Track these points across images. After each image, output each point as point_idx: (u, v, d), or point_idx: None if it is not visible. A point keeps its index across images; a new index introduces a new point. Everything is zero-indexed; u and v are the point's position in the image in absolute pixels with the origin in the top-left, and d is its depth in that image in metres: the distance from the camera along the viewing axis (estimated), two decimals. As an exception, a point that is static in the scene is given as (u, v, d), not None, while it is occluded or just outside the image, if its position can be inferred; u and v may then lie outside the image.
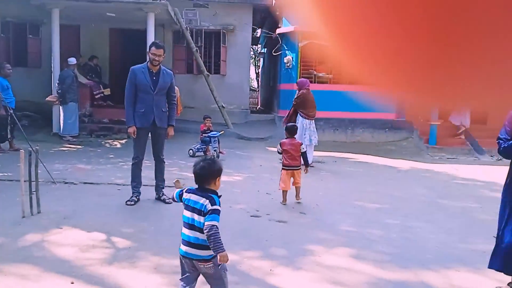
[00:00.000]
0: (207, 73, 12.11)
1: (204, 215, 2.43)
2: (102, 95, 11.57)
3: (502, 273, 3.36)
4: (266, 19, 14.81)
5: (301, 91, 8.27)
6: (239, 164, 8.22)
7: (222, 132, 8.84)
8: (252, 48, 20.86)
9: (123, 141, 9.91)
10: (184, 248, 2.50)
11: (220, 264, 2.45)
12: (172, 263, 3.38)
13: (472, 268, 3.57)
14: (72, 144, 9.50)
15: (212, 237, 2.35)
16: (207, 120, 8.85)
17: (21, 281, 2.98)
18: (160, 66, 5.12)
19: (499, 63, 0.35)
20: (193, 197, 2.53)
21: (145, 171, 5.44)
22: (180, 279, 2.60)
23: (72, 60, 9.89)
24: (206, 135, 8.63)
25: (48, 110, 10.48)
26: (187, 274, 2.55)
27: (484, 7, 0.32)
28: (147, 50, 5.14)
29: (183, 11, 12.45)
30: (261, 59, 21.64)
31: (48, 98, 10.02)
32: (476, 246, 4.14)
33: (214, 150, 8.49)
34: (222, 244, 2.38)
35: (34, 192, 4.52)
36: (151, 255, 3.51)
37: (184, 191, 2.64)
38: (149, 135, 5.26)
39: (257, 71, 28.15)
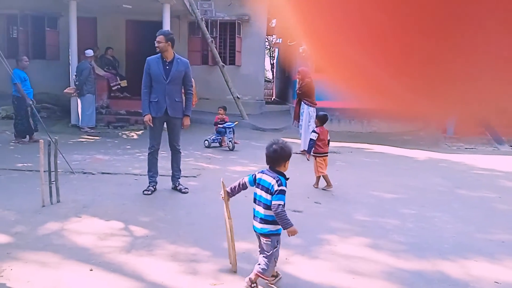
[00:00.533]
0: (222, 64, 12.11)
1: (271, 194, 2.75)
2: (119, 86, 11.69)
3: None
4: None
5: (306, 80, 8.31)
6: (254, 154, 8.23)
7: (236, 122, 8.86)
8: (267, 38, 20.75)
9: (140, 132, 10.01)
10: (253, 222, 2.92)
11: (276, 241, 2.84)
12: (188, 251, 3.42)
13: (491, 258, 3.53)
14: (90, 135, 9.64)
15: (279, 215, 2.70)
16: (220, 110, 8.87)
17: (41, 268, 3.05)
18: (174, 54, 5.15)
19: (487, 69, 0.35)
20: (264, 177, 2.87)
21: (161, 162, 5.50)
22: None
23: (89, 52, 10.00)
24: (222, 125, 8.65)
25: (66, 102, 10.65)
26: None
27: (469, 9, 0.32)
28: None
29: (198, 1, 12.46)
30: (276, 50, 21.52)
31: (66, 90, 10.17)
32: (494, 236, 4.08)
33: (230, 141, 8.52)
34: (289, 220, 2.72)
35: (54, 182, 4.61)
36: (168, 244, 3.56)
37: (257, 173, 2.99)
38: (165, 125, 5.31)
39: (272, 62, 28.03)
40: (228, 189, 3.18)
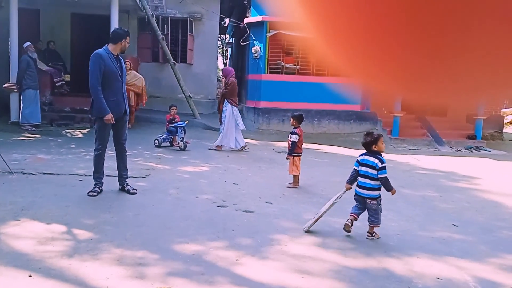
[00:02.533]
0: (174, 61, 11.89)
1: (377, 170, 3.91)
2: (63, 82, 11.15)
3: (462, 260, 3.50)
4: (234, 8, 14.67)
5: (230, 79, 8.55)
6: (205, 154, 8.15)
7: (187, 121, 8.72)
8: (220, 38, 20.64)
9: (86, 131, 9.61)
10: (359, 190, 4.03)
11: (380, 200, 4.00)
12: (135, 254, 3.31)
13: (432, 254, 3.69)
14: (31, 134, 9.13)
15: (385, 183, 3.92)
16: (173, 109, 8.71)
17: (-26, 275, 2.83)
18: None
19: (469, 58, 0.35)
20: (366, 158, 4.02)
21: (108, 162, 5.29)
22: (353, 207, 4.13)
23: (26, 44, 9.43)
24: (172, 125, 8.49)
25: (6, 97, 10.01)
26: (358, 206, 4.08)
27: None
28: (119, 38, 4.89)
29: (149, -3, 12.15)
30: (229, 49, 21.47)
31: (5, 85, 9.57)
32: (435, 234, 4.28)
33: (181, 140, 8.37)
34: (391, 185, 3.94)
35: (-11, 183, 4.32)
36: (114, 247, 3.43)
37: (358, 156, 4.15)
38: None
39: (225, 61, 27.93)
40: (348, 185, 4.17)
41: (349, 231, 4.00)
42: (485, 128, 12.37)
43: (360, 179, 4.03)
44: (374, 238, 3.99)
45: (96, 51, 4.84)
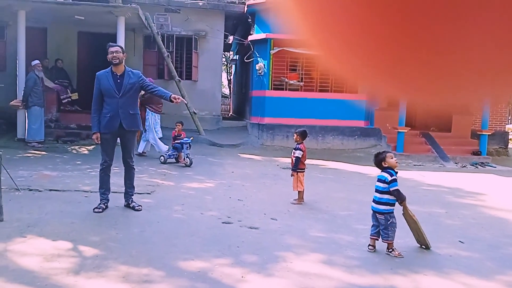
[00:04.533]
0: (179, 78, 12.01)
1: (388, 183, 4.06)
2: (70, 99, 11.27)
3: (469, 277, 3.47)
4: (238, 26, 14.86)
5: None
6: (210, 170, 8.17)
7: (192, 138, 8.77)
8: (224, 55, 20.85)
9: (91, 147, 9.67)
10: (372, 204, 4.19)
11: (390, 216, 4.07)
12: (141, 272, 3.31)
13: (439, 272, 3.66)
14: (37, 150, 9.20)
15: (398, 195, 4.04)
16: (178, 125, 8.77)
17: (-19, 292, 2.84)
18: (124, 67, 5.04)
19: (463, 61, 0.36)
20: (381, 173, 4.20)
21: (113, 178, 5.33)
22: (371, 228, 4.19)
23: (34, 62, 9.58)
24: (178, 141, 8.53)
25: (13, 114, 10.11)
26: (373, 223, 4.17)
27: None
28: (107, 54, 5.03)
29: (154, 15, 12.35)
30: (233, 66, 21.67)
31: (12, 103, 9.68)
32: (442, 250, 4.25)
33: (187, 156, 8.41)
34: (403, 196, 4.05)
35: (-4, 200, 4.34)
36: (120, 264, 3.43)
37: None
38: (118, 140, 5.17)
39: (229, 78, 28.14)
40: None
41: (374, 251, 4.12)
42: (490, 144, 12.35)
43: (374, 194, 4.22)
44: (391, 254, 3.98)
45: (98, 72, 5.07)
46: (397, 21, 0.35)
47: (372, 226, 4.19)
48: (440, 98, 0.42)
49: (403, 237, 4.54)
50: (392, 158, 4.23)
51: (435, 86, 0.40)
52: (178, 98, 5.10)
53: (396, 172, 4.20)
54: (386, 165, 4.18)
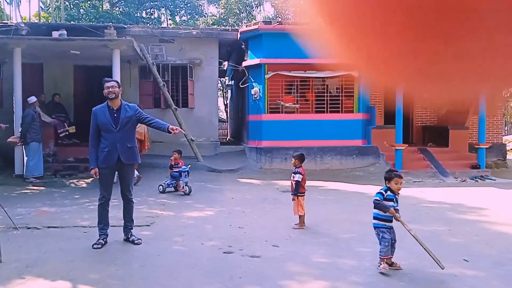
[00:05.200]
0: (175, 107, 12.08)
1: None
2: (67, 133, 11.31)
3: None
4: (232, 52, 15.04)
5: None
6: (210, 198, 8.13)
7: (190, 166, 8.76)
8: (220, 81, 21.06)
9: (89, 180, 9.64)
10: None
11: (381, 232, 4.16)
12: (142, 309, 3.25)
13: (445, 293, 3.60)
14: (35, 186, 9.16)
15: (377, 206, 4.19)
16: (174, 154, 8.76)
17: None
18: (121, 101, 5.08)
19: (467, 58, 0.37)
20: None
21: (112, 211, 5.29)
22: None
23: (31, 99, 9.65)
24: (176, 170, 8.52)
25: (10, 151, 10.12)
26: None
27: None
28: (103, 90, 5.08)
29: (149, 46, 12.51)
30: (229, 91, 21.85)
31: (9, 139, 9.70)
32: (447, 270, 4.18)
33: (186, 185, 8.38)
34: (385, 206, 4.12)
35: (-6, 240, 4.30)
36: (120, 302, 3.37)
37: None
38: (116, 174, 5.16)
39: (225, 102, 28.34)
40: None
41: (397, 268, 4.20)
42: (488, 157, 12.35)
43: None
44: (378, 269, 4.09)
45: (94, 107, 5.10)
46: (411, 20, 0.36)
47: None
48: (444, 88, 0.42)
49: (407, 259, 4.49)
50: (396, 184, 4.25)
51: (441, 76, 0.40)
52: (176, 129, 5.08)
53: (395, 195, 4.26)
54: (388, 186, 4.24)
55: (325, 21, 0.41)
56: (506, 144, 15.27)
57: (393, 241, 4.20)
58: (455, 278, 4.00)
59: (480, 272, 4.16)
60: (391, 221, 4.22)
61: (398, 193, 4.31)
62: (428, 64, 0.40)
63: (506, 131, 23.40)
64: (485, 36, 0.36)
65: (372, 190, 9.31)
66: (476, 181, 10.81)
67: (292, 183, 5.99)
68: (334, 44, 0.42)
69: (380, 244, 4.13)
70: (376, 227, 4.21)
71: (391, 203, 4.21)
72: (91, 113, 5.09)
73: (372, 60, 0.43)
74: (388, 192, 4.26)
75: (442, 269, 3.97)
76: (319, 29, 0.42)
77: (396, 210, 4.23)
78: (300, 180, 5.87)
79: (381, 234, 4.14)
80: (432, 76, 0.42)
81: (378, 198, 4.21)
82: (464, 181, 10.82)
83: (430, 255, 4.06)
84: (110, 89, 4.96)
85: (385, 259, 4.11)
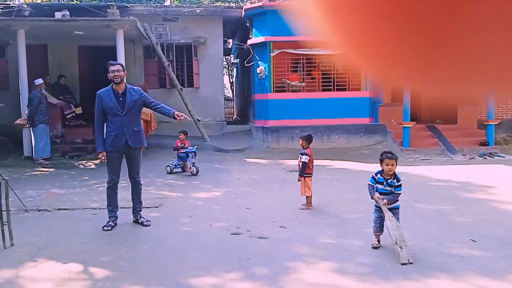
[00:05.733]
0: (180, 87, 12.03)
1: None
2: (74, 114, 11.34)
3: (483, 278, 3.43)
4: (237, 30, 14.86)
5: None
6: (217, 178, 8.16)
7: (196, 146, 8.78)
8: (225, 59, 20.85)
9: (97, 161, 9.68)
10: None
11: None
12: (152, 291, 3.31)
13: (452, 274, 3.62)
14: (44, 167, 9.25)
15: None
16: (180, 135, 8.76)
17: (-6, 323, 2.86)
18: (125, 85, 5.05)
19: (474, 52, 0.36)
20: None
21: (121, 193, 5.34)
22: None
23: (38, 81, 9.66)
24: (183, 151, 8.54)
25: (19, 133, 10.20)
26: None
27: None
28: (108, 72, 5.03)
29: (153, 25, 12.37)
30: (235, 69, 21.67)
31: (17, 122, 9.76)
32: (454, 251, 4.20)
33: (193, 165, 8.42)
34: (371, 192, 4.30)
35: (6, 224, 4.37)
36: (131, 285, 3.43)
37: None
38: (124, 156, 5.18)
39: (231, 80, 28.14)
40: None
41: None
42: (497, 133, 12.23)
43: None
44: None
45: (98, 91, 5.05)
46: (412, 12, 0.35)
47: None
48: (448, 87, 0.41)
49: (413, 239, 4.50)
50: (387, 165, 4.23)
51: (445, 74, 0.40)
52: (182, 115, 5.05)
53: (384, 179, 4.28)
54: (382, 168, 4.29)
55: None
56: (515, 120, 15.07)
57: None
58: (462, 259, 4.01)
59: (487, 253, 4.16)
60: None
61: (395, 176, 4.26)
62: (431, 63, 0.39)
63: (515, 107, 23.08)
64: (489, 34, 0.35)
65: (380, 168, 9.30)
66: (485, 158, 10.74)
67: (299, 164, 5.99)
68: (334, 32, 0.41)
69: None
70: (374, 206, 4.36)
71: (380, 186, 4.26)
72: (96, 94, 5.07)
73: (373, 54, 0.42)
74: (378, 175, 4.31)
75: (403, 264, 3.78)
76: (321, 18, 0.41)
77: (389, 193, 4.23)
78: (306, 161, 5.86)
79: (373, 212, 4.34)
80: (436, 73, 0.40)
81: (370, 182, 4.35)
82: (472, 158, 10.76)
83: (395, 247, 3.95)
84: (116, 73, 4.91)
85: (375, 235, 4.30)
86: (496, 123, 11.90)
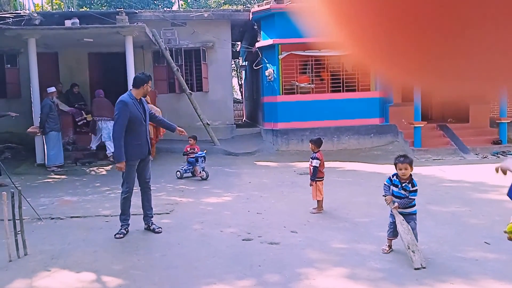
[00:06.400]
0: (190, 91, 12.08)
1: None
2: (85, 121, 11.44)
3: (497, 282, 3.38)
4: (245, 33, 14.87)
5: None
6: (227, 182, 8.17)
7: (205, 151, 8.80)
8: (234, 61, 20.90)
9: (109, 167, 9.78)
10: None
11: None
12: (164, 300, 3.32)
13: (466, 279, 3.58)
14: (57, 174, 9.35)
15: None
16: (190, 140, 8.79)
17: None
18: None
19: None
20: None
21: (132, 199, 5.35)
22: None
23: (50, 89, 9.77)
24: (192, 156, 8.57)
25: (31, 140, 10.33)
26: None
27: None
28: (141, 83, 5.01)
29: (161, 31, 12.45)
30: (243, 72, 21.69)
31: (29, 130, 9.89)
32: (467, 254, 4.15)
33: (203, 170, 8.44)
34: (383, 195, 4.30)
35: (20, 233, 4.42)
36: (143, 293, 3.45)
37: None
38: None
39: (240, 83, 28.19)
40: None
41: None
42: (510, 131, 12.06)
43: None
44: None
45: (121, 98, 4.95)
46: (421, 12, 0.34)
47: None
48: (458, 85, 0.41)
49: (427, 243, 4.46)
50: (400, 170, 4.15)
51: (455, 73, 0.39)
52: (183, 131, 5.43)
53: (399, 182, 4.18)
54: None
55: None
56: (528, 117, 14.85)
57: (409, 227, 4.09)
58: (476, 262, 3.96)
59: (502, 256, 4.10)
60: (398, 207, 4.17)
61: (410, 180, 4.14)
62: (439, 60, 0.39)
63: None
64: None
65: (392, 169, 9.21)
66: (498, 157, 10.59)
67: (310, 169, 5.96)
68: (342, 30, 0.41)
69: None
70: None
71: (395, 189, 4.19)
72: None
73: (383, 52, 0.42)
74: (395, 177, 4.24)
75: (416, 269, 3.77)
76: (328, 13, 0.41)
77: (404, 198, 4.12)
78: (318, 165, 5.83)
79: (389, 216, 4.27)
80: (444, 73, 0.40)
81: (386, 182, 4.30)
82: (485, 157, 10.62)
83: (408, 252, 3.92)
84: (146, 89, 5.05)
85: (387, 239, 4.26)
86: (509, 121, 11.74)
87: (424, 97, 11.77)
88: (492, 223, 5.19)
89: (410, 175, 4.17)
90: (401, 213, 4.14)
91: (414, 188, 4.16)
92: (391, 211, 4.23)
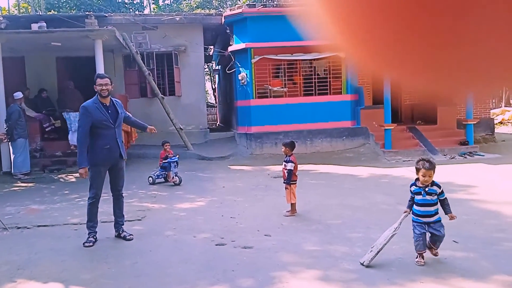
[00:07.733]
0: (162, 96, 11.95)
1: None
2: (53, 127, 11.15)
3: (466, 280, 3.46)
4: (218, 37, 14.85)
5: None
6: (201, 187, 8.11)
7: (178, 156, 8.70)
8: (207, 65, 20.82)
9: (78, 175, 9.52)
10: None
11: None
12: (135, 309, 3.24)
13: (436, 277, 3.65)
14: (24, 182, 9.06)
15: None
16: (166, 145, 8.68)
17: None
18: (110, 97, 4.99)
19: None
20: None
21: (102, 206, 5.23)
22: None
23: (18, 95, 9.50)
24: (166, 161, 8.46)
25: (-4, 147, 9.96)
26: None
27: None
28: (94, 84, 4.96)
29: (132, 35, 12.28)
30: (217, 76, 21.64)
31: (-5, 136, 9.55)
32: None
33: (176, 175, 8.35)
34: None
35: (-17, 244, 4.25)
36: (113, 303, 3.36)
37: None
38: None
39: (213, 87, 28.10)
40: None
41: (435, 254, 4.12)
42: (476, 132, 12.46)
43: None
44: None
45: (84, 103, 4.90)
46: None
47: None
48: (428, 82, 0.41)
49: (398, 243, 4.52)
50: (424, 176, 3.89)
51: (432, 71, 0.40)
52: (153, 129, 5.52)
53: (421, 188, 3.99)
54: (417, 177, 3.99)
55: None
56: (494, 118, 15.39)
57: (434, 237, 3.93)
58: (445, 261, 4.05)
59: (469, 254, 4.21)
60: (425, 216, 3.95)
61: (432, 182, 3.92)
62: (417, 55, 0.39)
63: (494, 104, 23.60)
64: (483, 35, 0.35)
65: (363, 171, 9.37)
66: (465, 157, 10.91)
67: (284, 172, 5.98)
68: (322, 25, 0.41)
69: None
70: (412, 221, 4.03)
71: (419, 197, 3.98)
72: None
73: (360, 45, 0.42)
74: (413, 187, 4.05)
75: (361, 264, 3.91)
76: (306, 10, 0.41)
77: (433, 203, 3.94)
78: (292, 169, 5.85)
79: (412, 228, 3.99)
80: (421, 68, 0.41)
81: (411, 194, 4.10)
82: (453, 158, 10.92)
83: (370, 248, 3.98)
84: (104, 87, 4.83)
85: (417, 253, 3.93)
86: (475, 122, 12.12)
87: (394, 99, 12.04)
88: (460, 222, 5.28)
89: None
90: (428, 223, 3.93)
91: (441, 189, 3.97)
92: (415, 222, 3.99)
